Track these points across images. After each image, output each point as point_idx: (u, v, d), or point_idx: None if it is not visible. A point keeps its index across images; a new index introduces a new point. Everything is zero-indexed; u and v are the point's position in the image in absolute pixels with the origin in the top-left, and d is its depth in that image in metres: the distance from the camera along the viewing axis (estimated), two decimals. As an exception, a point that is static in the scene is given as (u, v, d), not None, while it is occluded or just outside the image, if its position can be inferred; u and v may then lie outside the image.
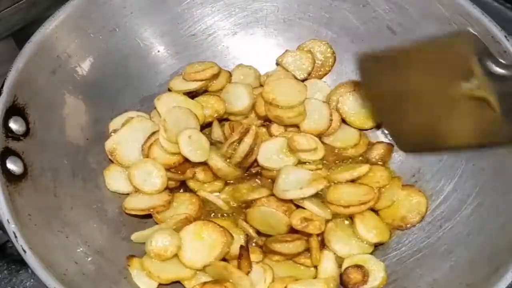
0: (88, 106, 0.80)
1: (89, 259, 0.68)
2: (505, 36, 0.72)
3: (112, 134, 0.81)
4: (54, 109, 0.75)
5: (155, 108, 0.83)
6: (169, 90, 0.86)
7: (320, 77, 0.90)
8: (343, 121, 0.85)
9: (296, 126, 0.83)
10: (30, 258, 0.60)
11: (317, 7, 0.88)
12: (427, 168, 0.81)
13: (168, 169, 0.77)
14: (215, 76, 0.85)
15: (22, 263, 0.81)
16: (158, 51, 0.88)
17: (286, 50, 0.89)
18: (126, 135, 0.80)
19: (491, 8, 1.01)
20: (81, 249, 0.68)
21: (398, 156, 0.84)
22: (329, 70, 0.90)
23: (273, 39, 0.91)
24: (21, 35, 0.85)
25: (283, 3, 0.89)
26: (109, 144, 0.79)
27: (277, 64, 0.89)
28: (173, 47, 0.89)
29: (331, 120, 0.83)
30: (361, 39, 0.87)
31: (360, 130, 0.85)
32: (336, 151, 0.83)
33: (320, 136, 0.82)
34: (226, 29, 0.91)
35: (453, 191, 0.77)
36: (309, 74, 0.89)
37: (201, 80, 0.84)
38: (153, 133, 0.79)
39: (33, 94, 0.72)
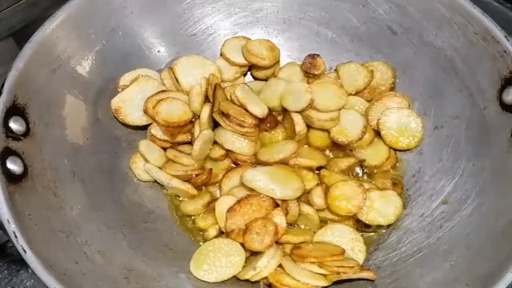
0: (88, 106, 0.80)
1: (89, 259, 0.68)
2: (505, 36, 0.72)
3: (119, 90, 0.82)
4: (54, 109, 0.75)
5: (168, 69, 0.85)
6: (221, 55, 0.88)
7: (368, 99, 0.87)
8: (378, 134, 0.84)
9: (326, 131, 0.82)
10: (30, 258, 0.60)
11: (317, 7, 0.88)
12: (427, 168, 0.81)
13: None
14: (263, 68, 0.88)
15: (22, 263, 0.82)
16: (158, 51, 0.88)
17: (351, 62, 0.87)
18: (132, 94, 0.81)
19: (491, 8, 1.01)
20: (81, 249, 0.68)
21: (398, 156, 0.85)
22: (380, 97, 0.85)
23: (273, 39, 0.91)
24: (21, 35, 0.85)
25: (283, 3, 0.89)
26: (114, 102, 0.80)
27: (334, 70, 0.88)
28: (173, 47, 0.89)
29: (363, 132, 0.81)
30: (361, 39, 0.88)
31: (392, 148, 0.84)
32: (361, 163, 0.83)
33: (349, 146, 0.81)
34: (226, 29, 0.91)
35: (453, 191, 0.77)
36: (357, 92, 0.86)
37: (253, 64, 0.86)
38: (158, 92, 0.80)
39: (33, 94, 0.72)
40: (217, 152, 0.80)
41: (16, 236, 0.61)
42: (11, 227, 0.61)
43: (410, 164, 0.83)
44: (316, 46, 0.90)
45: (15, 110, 0.69)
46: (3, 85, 0.68)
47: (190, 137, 0.81)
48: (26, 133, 0.70)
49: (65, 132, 0.76)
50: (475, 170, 0.76)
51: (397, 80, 0.86)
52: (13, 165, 0.66)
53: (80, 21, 0.79)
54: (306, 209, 0.76)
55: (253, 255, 0.73)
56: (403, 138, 0.82)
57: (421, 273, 0.70)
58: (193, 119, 0.81)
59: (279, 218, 0.73)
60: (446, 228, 0.74)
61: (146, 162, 0.79)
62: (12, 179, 0.65)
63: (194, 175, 0.79)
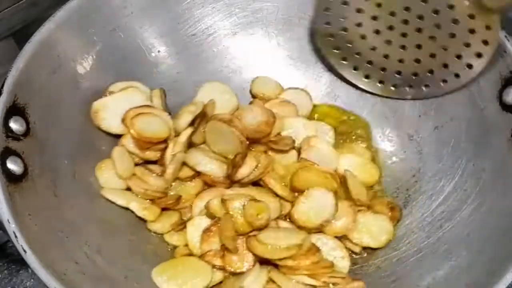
0: (88, 106, 0.80)
1: (89, 259, 0.68)
2: (505, 36, 0.72)
3: (107, 95, 0.81)
4: (54, 109, 0.75)
5: (159, 88, 0.84)
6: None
7: None
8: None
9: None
10: (30, 258, 0.60)
11: (317, 7, 0.88)
12: (427, 168, 0.81)
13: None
14: None
15: (22, 263, 0.82)
16: (159, 51, 0.88)
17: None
18: (116, 101, 0.79)
19: (491, 8, 1.01)
20: (81, 249, 0.68)
21: (398, 156, 0.85)
22: None
23: (273, 39, 0.91)
24: (21, 35, 0.85)
25: (283, 3, 0.89)
26: (96, 104, 0.79)
27: None
28: (173, 47, 0.89)
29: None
30: (361, 39, 0.87)
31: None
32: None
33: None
34: (226, 29, 0.91)
35: (453, 191, 0.77)
36: None
37: None
38: (143, 106, 0.78)
39: (34, 94, 0.72)
40: (187, 173, 0.78)
41: (16, 236, 0.61)
42: (11, 227, 0.61)
43: (410, 164, 0.83)
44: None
45: (15, 110, 0.69)
46: (3, 85, 0.68)
47: (159, 156, 0.79)
48: (26, 133, 0.70)
49: (65, 132, 0.76)
50: (475, 170, 0.76)
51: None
52: (13, 165, 0.66)
53: (80, 21, 0.79)
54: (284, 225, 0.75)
55: (234, 275, 0.71)
56: None
57: (421, 273, 0.70)
58: (167, 139, 0.79)
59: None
60: (446, 228, 0.74)
61: (115, 169, 0.77)
62: (12, 179, 0.65)
63: (157, 198, 0.77)
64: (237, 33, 0.91)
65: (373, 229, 0.75)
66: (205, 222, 0.74)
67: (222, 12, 0.90)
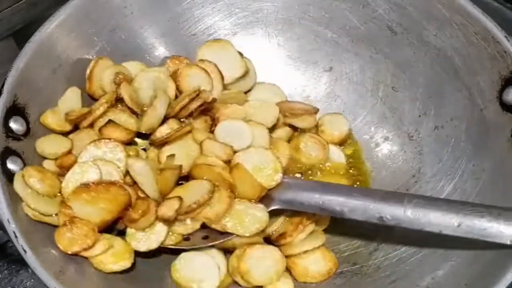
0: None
1: (89, 259, 0.68)
2: (505, 36, 0.72)
3: None
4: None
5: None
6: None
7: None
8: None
9: None
10: (30, 258, 0.60)
11: (317, 7, 0.88)
12: (427, 168, 0.81)
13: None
14: None
15: (22, 263, 0.82)
16: (159, 51, 0.88)
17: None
18: None
19: (491, 8, 1.01)
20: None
21: (398, 156, 0.85)
22: None
23: (273, 39, 0.91)
24: (21, 35, 0.85)
25: (283, 3, 0.89)
26: None
27: None
28: (173, 47, 0.89)
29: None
30: (361, 39, 0.88)
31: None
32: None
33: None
34: (226, 29, 0.91)
35: (453, 191, 0.77)
36: None
37: None
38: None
39: (34, 94, 0.72)
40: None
41: (16, 236, 0.61)
42: (11, 227, 0.61)
43: (410, 164, 0.83)
44: (316, 46, 0.90)
45: (15, 110, 0.69)
46: (3, 85, 0.68)
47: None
48: (26, 133, 0.70)
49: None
50: (475, 170, 0.76)
51: (397, 80, 0.86)
52: (13, 165, 0.66)
53: (80, 21, 0.79)
54: None
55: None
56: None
57: (421, 273, 0.70)
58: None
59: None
60: (446, 228, 0.74)
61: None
62: (12, 179, 0.65)
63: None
64: (237, 33, 0.91)
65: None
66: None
67: (222, 12, 0.90)
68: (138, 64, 0.83)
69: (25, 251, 0.60)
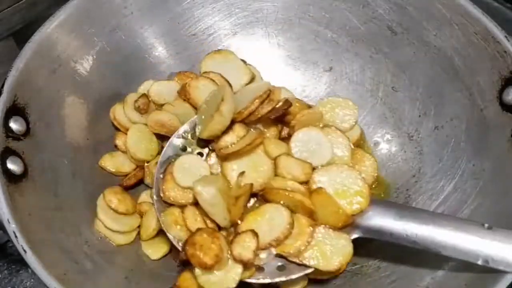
0: (88, 106, 0.80)
1: (89, 259, 0.68)
2: (505, 36, 0.72)
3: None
4: (54, 109, 0.75)
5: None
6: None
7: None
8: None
9: None
10: (30, 258, 0.60)
11: (317, 7, 0.88)
12: (427, 168, 0.81)
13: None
14: None
15: (22, 263, 0.81)
16: (159, 51, 0.88)
17: None
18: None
19: (491, 8, 1.01)
20: (81, 249, 0.69)
21: (398, 156, 0.85)
22: None
23: (273, 39, 0.91)
24: (21, 35, 0.86)
25: (283, 3, 0.89)
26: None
27: None
28: (174, 47, 0.89)
29: None
30: (361, 39, 0.88)
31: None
32: None
33: None
34: (226, 29, 0.91)
35: (453, 191, 0.77)
36: None
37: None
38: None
39: (34, 94, 0.72)
40: None
41: (16, 236, 0.61)
42: (11, 227, 0.61)
43: (410, 164, 0.83)
44: (316, 46, 0.90)
45: (15, 110, 0.69)
46: (3, 85, 0.68)
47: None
48: (26, 133, 0.70)
49: (65, 132, 0.76)
50: (475, 170, 0.76)
51: (397, 80, 0.87)
52: (13, 165, 0.66)
53: (80, 21, 0.79)
54: None
55: None
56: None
57: (421, 273, 0.70)
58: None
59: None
60: (446, 228, 0.74)
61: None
62: (12, 179, 0.65)
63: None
64: (237, 33, 0.91)
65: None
66: None
67: (222, 12, 0.90)
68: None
69: (25, 251, 0.60)
